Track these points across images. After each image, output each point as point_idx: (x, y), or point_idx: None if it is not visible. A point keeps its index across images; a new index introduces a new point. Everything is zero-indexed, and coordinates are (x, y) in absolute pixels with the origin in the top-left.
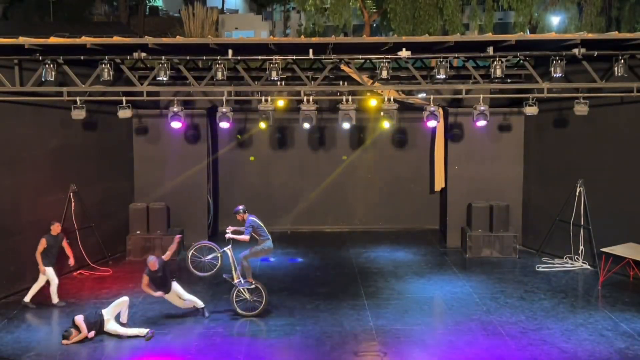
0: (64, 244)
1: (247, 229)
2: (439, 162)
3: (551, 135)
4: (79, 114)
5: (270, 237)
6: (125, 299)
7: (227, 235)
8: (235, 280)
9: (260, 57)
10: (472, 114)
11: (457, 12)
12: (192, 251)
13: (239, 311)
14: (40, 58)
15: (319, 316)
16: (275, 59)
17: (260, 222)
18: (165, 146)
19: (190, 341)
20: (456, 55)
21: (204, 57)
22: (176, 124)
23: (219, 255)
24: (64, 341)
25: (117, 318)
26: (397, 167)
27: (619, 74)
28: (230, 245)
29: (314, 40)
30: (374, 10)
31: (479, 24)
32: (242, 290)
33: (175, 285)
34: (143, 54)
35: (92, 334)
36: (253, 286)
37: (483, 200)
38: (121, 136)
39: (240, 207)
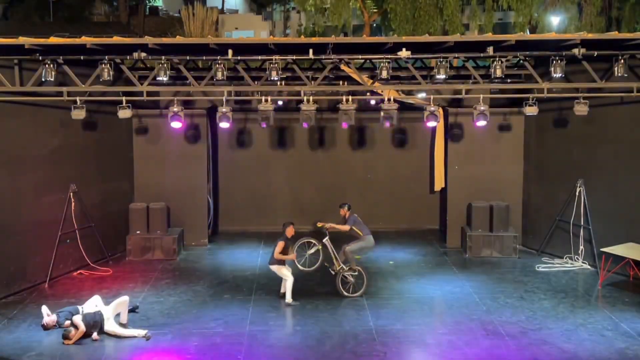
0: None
1: (349, 221)
2: (439, 162)
3: (551, 135)
4: (79, 114)
5: (370, 233)
6: (125, 298)
7: (327, 225)
8: (338, 268)
9: (260, 57)
10: (472, 114)
11: (457, 12)
12: (295, 249)
13: (345, 293)
14: (40, 58)
15: (319, 316)
16: (275, 59)
17: (360, 220)
18: (165, 146)
19: (190, 341)
20: (456, 55)
21: (204, 57)
22: (176, 124)
23: (319, 247)
24: (66, 341)
25: (116, 318)
26: (397, 167)
27: (619, 74)
28: (327, 237)
29: (314, 40)
30: (374, 10)
31: (478, 24)
32: (346, 276)
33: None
34: (143, 54)
35: (95, 335)
36: (357, 273)
37: (483, 200)
38: (121, 136)
39: (347, 204)
